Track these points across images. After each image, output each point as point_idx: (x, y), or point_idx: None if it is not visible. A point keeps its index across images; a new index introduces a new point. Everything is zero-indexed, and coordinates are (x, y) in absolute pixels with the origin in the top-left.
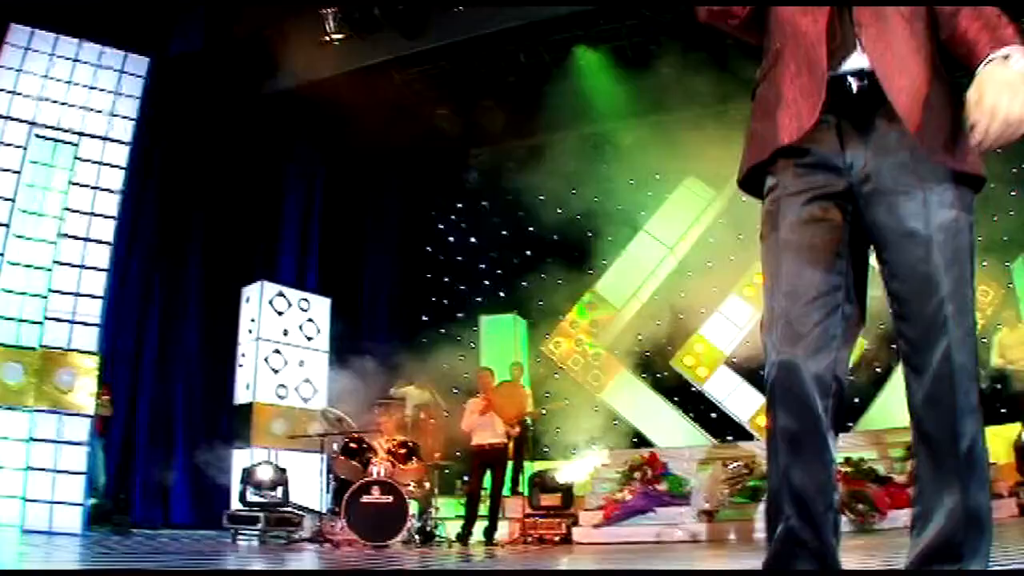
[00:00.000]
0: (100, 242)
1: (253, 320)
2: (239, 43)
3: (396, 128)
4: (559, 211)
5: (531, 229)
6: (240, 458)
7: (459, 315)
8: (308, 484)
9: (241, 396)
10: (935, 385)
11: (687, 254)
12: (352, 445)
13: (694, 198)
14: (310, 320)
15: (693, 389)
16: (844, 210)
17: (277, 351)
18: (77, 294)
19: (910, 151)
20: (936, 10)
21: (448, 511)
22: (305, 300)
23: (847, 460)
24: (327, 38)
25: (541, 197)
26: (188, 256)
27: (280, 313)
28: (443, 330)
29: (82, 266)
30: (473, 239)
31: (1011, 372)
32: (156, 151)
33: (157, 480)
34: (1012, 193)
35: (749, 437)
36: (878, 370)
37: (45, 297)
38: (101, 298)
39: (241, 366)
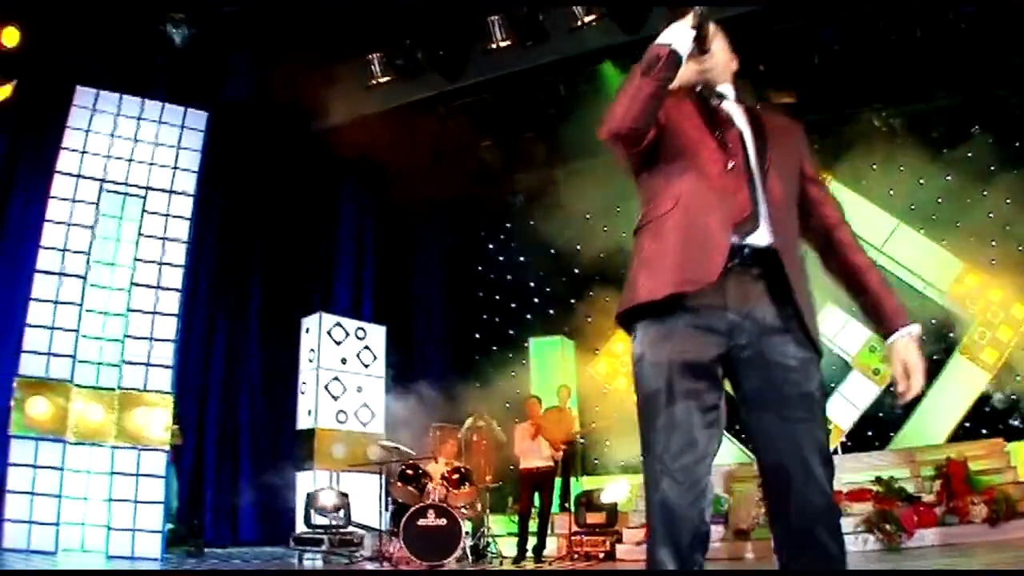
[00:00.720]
0: (170, 289)
1: (313, 350)
2: (287, 87)
3: (441, 161)
4: (605, 229)
5: (578, 248)
6: (303, 479)
7: (509, 335)
8: (367, 502)
9: (303, 422)
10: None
11: None
12: (408, 472)
13: None
14: (367, 348)
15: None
16: (719, 371)
17: (336, 378)
18: (151, 338)
19: (789, 324)
20: (816, 214)
21: (500, 528)
22: (362, 329)
23: (878, 479)
24: (373, 81)
25: (588, 216)
26: (249, 289)
27: (338, 343)
28: (494, 351)
29: (154, 312)
30: (521, 260)
31: None
32: (214, 194)
33: (226, 501)
34: None
35: None
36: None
37: (121, 342)
38: (173, 341)
39: (303, 393)
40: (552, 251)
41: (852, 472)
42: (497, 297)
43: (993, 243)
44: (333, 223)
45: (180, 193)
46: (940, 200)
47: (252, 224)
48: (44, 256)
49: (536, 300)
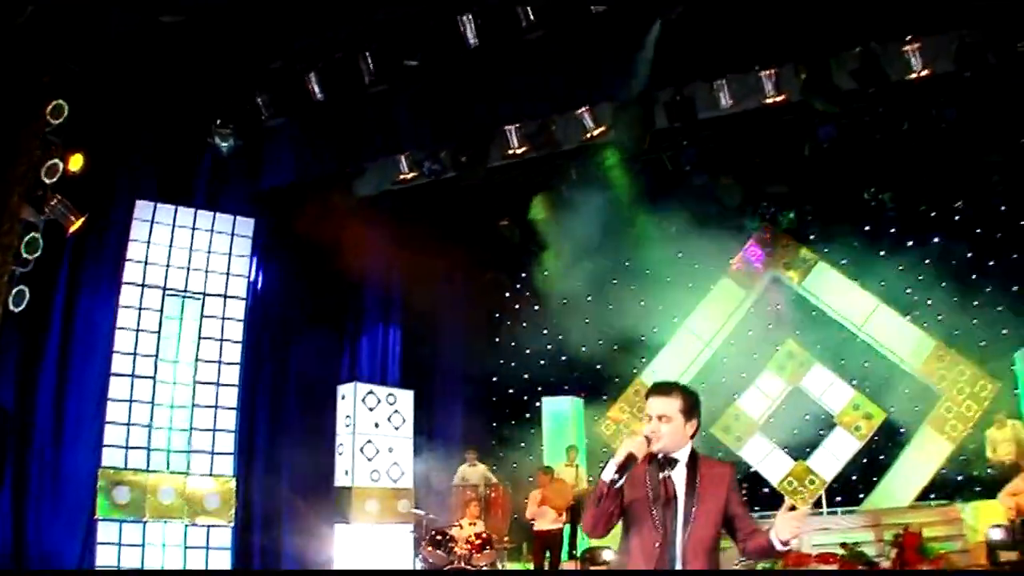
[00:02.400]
0: (229, 385)
1: (348, 416)
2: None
3: (462, 234)
4: (610, 307)
5: (587, 321)
6: (340, 531)
7: (524, 398)
8: (399, 550)
9: (340, 480)
10: None
11: (722, 344)
12: (437, 538)
13: (728, 297)
14: (396, 412)
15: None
16: None
17: (370, 441)
18: (214, 430)
19: None
20: (739, 530)
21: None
22: (392, 395)
23: (843, 544)
24: (400, 177)
25: (589, 297)
26: (289, 360)
27: (371, 409)
28: (509, 411)
29: (216, 407)
30: (536, 331)
31: (998, 465)
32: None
33: (272, 552)
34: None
35: (778, 500)
36: (882, 458)
37: (189, 431)
38: (233, 432)
39: (340, 454)
40: (563, 324)
41: (822, 534)
42: (513, 363)
43: (968, 326)
44: (361, 297)
45: (233, 297)
46: (918, 284)
47: (288, 296)
48: (117, 360)
49: (548, 367)
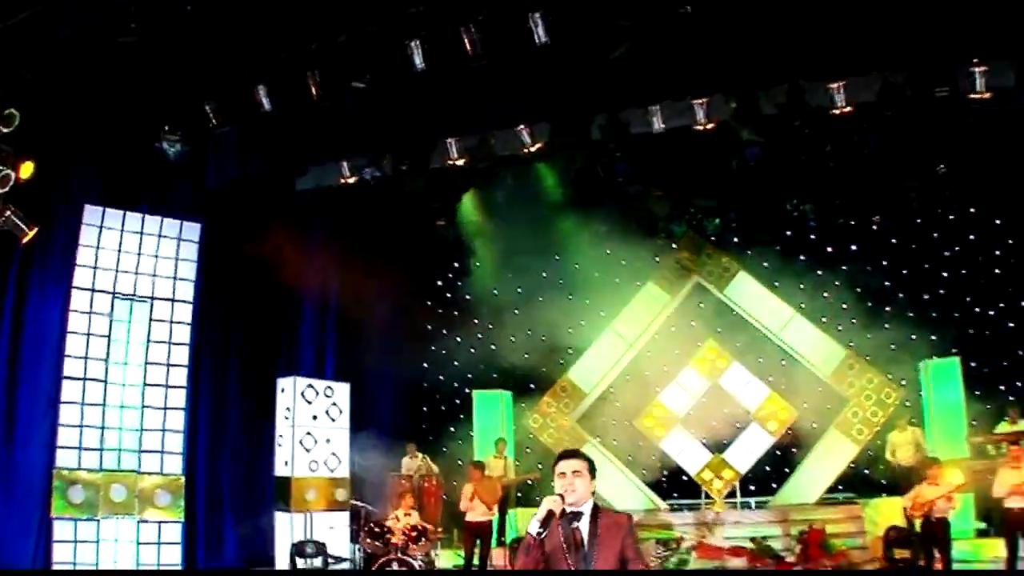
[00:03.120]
0: (177, 387)
1: (288, 409)
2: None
3: (399, 232)
4: (540, 305)
5: (517, 317)
6: (281, 519)
7: (456, 391)
8: (338, 533)
9: (280, 470)
10: None
11: (646, 344)
12: (376, 530)
13: (653, 301)
14: (334, 404)
15: (653, 456)
16: None
17: (308, 433)
18: (163, 430)
19: None
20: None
21: (447, 562)
22: (330, 388)
23: (752, 539)
24: (341, 181)
25: (520, 289)
26: (230, 357)
27: (309, 402)
28: (441, 404)
29: (165, 407)
30: (468, 327)
31: (897, 467)
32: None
33: (214, 540)
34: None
35: (696, 489)
36: (794, 450)
37: (139, 432)
38: (181, 432)
39: (280, 446)
40: (493, 316)
41: (734, 527)
42: (444, 355)
43: (878, 335)
44: (299, 294)
45: (181, 301)
46: (835, 293)
47: (228, 295)
48: (69, 364)
49: (478, 360)
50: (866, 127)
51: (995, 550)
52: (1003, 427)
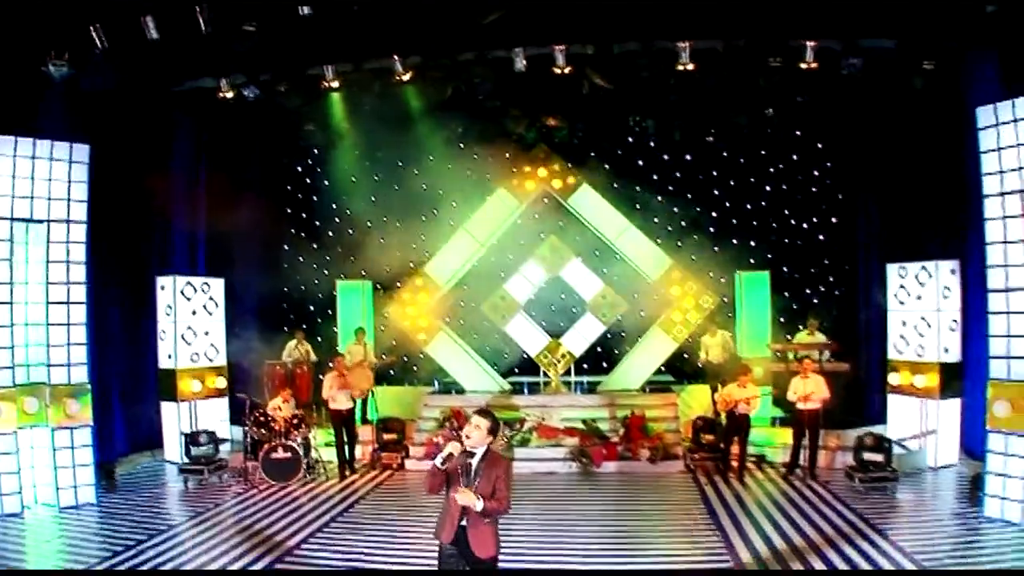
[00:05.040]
0: (77, 303)
1: (169, 306)
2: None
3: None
4: (400, 203)
5: (379, 216)
6: (168, 409)
7: (321, 285)
8: (218, 418)
9: (164, 363)
10: None
11: (496, 243)
12: (260, 419)
13: (503, 206)
14: (211, 299)
15: (497, 337)
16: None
17: (189, 327)
18: (69, 344)
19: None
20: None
21: (320, 439)
22: (207, 284)
23: (584, 421)
24: (220, 94)
25: (377, 177)
26: (108, 259)
27: (188, 299)
28: (309, 298)
29: (68, 324)
30: (331, 224)
31: (708, 365)
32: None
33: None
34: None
35: (536, 368)
36: (623, 335)
37: (47, 347)
38: (85, 344)
39: (162, 340)
40: (352, 204)
41: (569, 410)
42: (311, 244)
43: (702, 246)
44: (169, 192)
45: (76, 221)
46: (667, 207)
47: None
48: None
49: (341, 249)
50: (705, 72)
51: (785, 438)
52: (801, 336)
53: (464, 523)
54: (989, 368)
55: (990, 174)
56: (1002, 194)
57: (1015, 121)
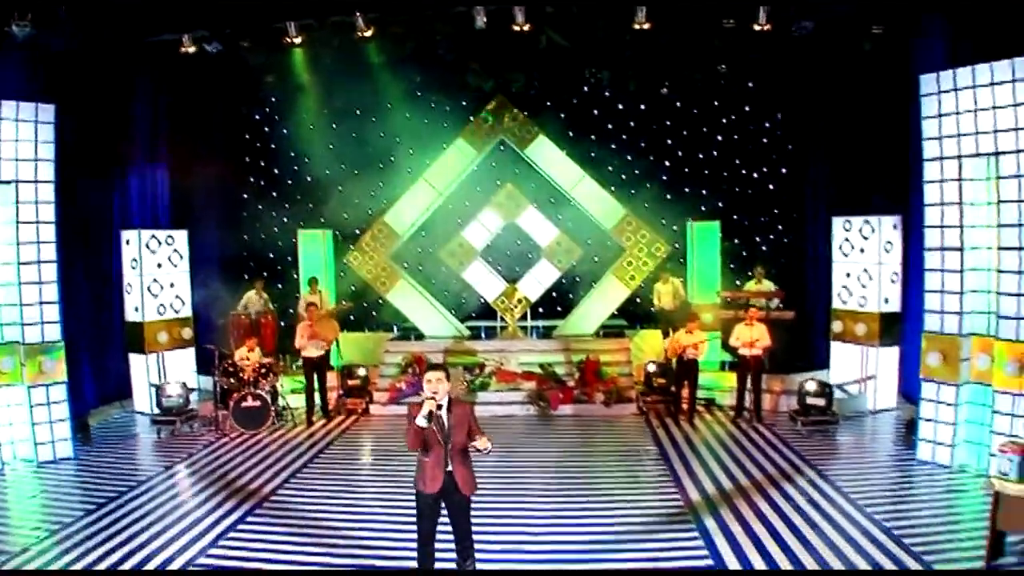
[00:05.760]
0: (48, 262)
1: (135, 260)
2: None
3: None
4: (354, 136)
5: (338, 163)
6: (136, 361)
7: (282, 233)
8: (186, 368)
9: (131, 316)
10: None
11: (453, 191)
12: (229, 368)
13: (461, 156)
14: (175, 251)
15: (455, 282)
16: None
17: (155, 280)
18: (41, 303)
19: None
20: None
21: (288, 385)
22: (171, 236)
23: (541, 365)
24: (182, 49)
25: (335, 125)
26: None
27: (153, 252)
28: (268, 243)
29: (40, 282)
30: (291, 173)
31: (660, 312)
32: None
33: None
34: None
35: (493, 313)
36: (577, 280)
37: (19, 307)
38: (56, 303)
39: (128, 293)
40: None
41: (526, 354)
42: (272, 193)
43: (654, 195)
44: (129, 151)
45: (44, 181)
46: (621, 157)
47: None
48: None
49: (301, 197)
50: (660, 30)
51: (731, 381)
52: (749, 285)
53: (449, 468)
54: (924, 321)
55: (930, 139)
56: (940, 159)
57: (955, 90)
